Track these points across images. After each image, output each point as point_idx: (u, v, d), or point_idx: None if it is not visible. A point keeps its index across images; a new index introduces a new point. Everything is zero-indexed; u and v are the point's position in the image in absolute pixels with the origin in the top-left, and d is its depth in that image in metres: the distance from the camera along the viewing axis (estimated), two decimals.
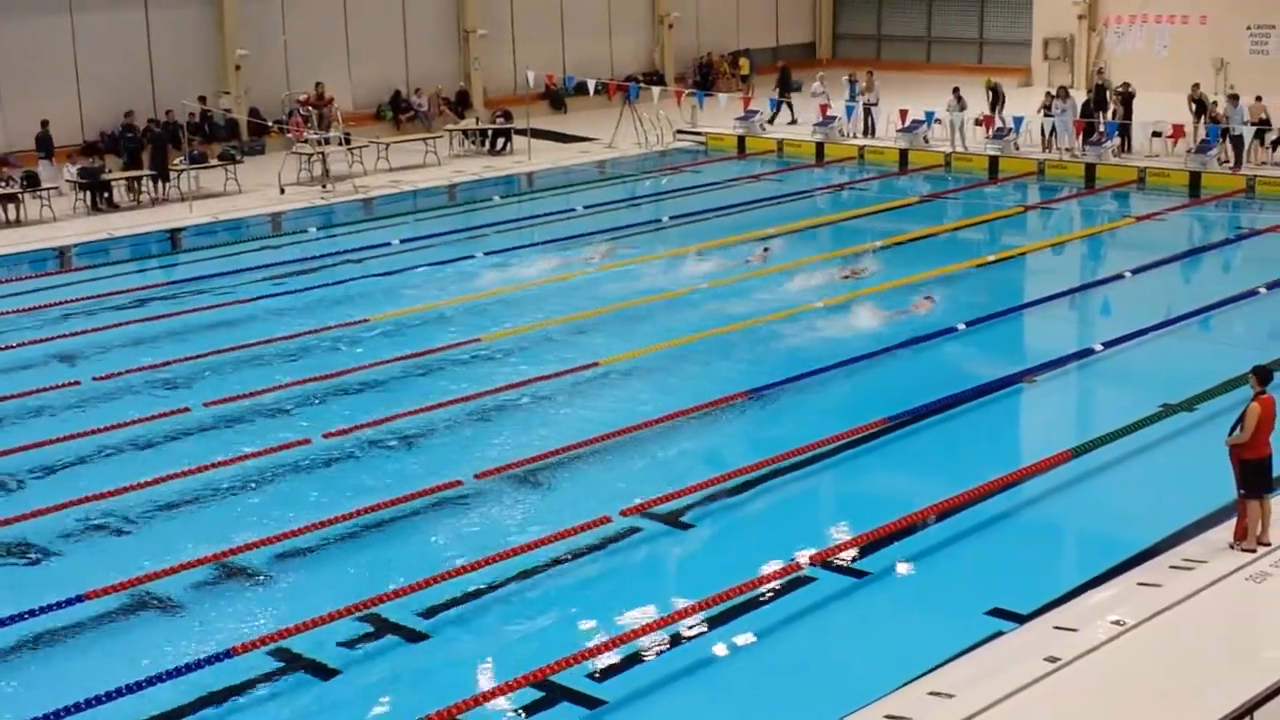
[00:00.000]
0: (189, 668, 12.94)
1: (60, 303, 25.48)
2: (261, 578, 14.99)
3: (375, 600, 14.10)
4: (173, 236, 30.85)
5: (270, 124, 37.26)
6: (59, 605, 14.13)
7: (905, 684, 12.37)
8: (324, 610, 13.87)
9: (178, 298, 25.91)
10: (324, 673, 13.12)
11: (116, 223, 31.53)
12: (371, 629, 13.78)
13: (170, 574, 14.83)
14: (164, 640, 13.74)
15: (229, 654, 13.15)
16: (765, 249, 28.36)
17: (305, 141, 35.28)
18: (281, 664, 13.22)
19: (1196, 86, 36.12)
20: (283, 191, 33.97)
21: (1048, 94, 37.20)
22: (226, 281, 26.90)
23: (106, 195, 32.81)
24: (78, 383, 21.07)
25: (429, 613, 14.07)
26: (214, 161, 34.96)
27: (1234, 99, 34.41)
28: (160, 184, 33.61)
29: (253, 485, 17.39)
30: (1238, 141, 33.66)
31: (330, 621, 13.73)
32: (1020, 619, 13.54)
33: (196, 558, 15.17)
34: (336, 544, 15.74)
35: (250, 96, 38.48)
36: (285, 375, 21.12)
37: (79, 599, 14.26)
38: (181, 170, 33.63)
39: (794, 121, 41.29)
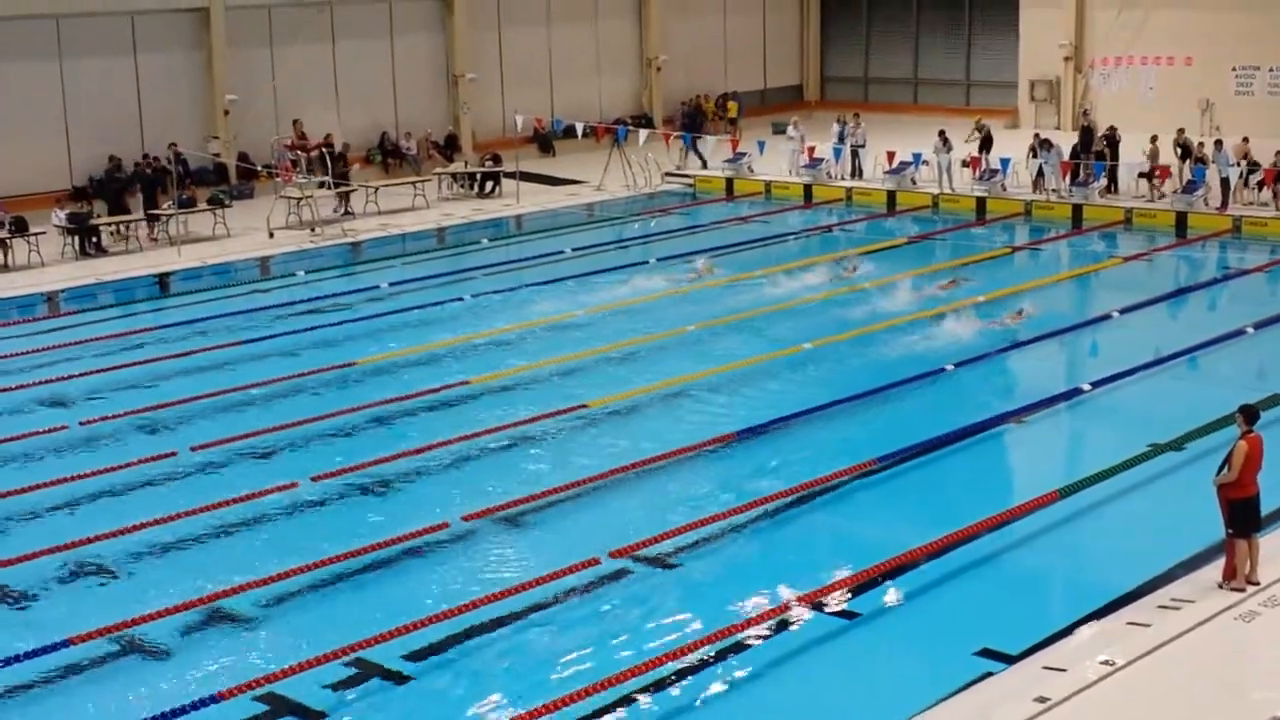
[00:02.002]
0: (175, 713, 12.85)
1: (48, 348, 25.44)
2: (248, 622, 14.92)
3: (362, 643, 14.02)
4: (161, 281, 30.84)
5: (259, 168, 37.34)
6: (43, 650, 14.06)
7: None
8: (311, 654, 13.82)
9: (165, 342, 25.87)
10: (311, 716, 13.05)
11: (105, 267, 31.52)
12: (358, 672, 13.71)
13: (156, 618, 14.76)
14: (150, 685, 13.67)
15: (215, 699, 13.08)
16: (854, 267, 29.91)
17: (295, 185, 35.36)
18: (268, 708, 13.14)
19: (1181, 131, 36.32)
20: (271, 235, 34.02)
21: (1036, 136, 37.37)
22: (214, 325, 26.89)
23: (94, 240, 32.82)
24: (65, 427, 21.02)
25: (416, 655, 14.01)
26: (202, 206, 35.01)
27: (1219, 144, 34.63)
28: (152, 224, 33.74)
29: (240, 529, 17.34)
30: (1224, 183, 33.83)
31: (317, 665, 13.67)
32: (1009, 659, 13.51)
33: (183, 602, 15.11)
34: (324, 587, 15.69)
35: (239, 141, 38.59)
36: (273, 419, 21.06)
37: (63, 644, 14.18)
38: (169, 215, 33.69)
39: (704, 165, 41.39)
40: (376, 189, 37.52)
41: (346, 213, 36.40)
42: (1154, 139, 35.61)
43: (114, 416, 21.37)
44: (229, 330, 26.54)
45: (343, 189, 36.66)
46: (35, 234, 31.90)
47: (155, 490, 18.64)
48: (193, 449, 19.89)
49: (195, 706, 12.96)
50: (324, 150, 36.70)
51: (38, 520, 17.72)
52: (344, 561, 16.11)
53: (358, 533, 16.90)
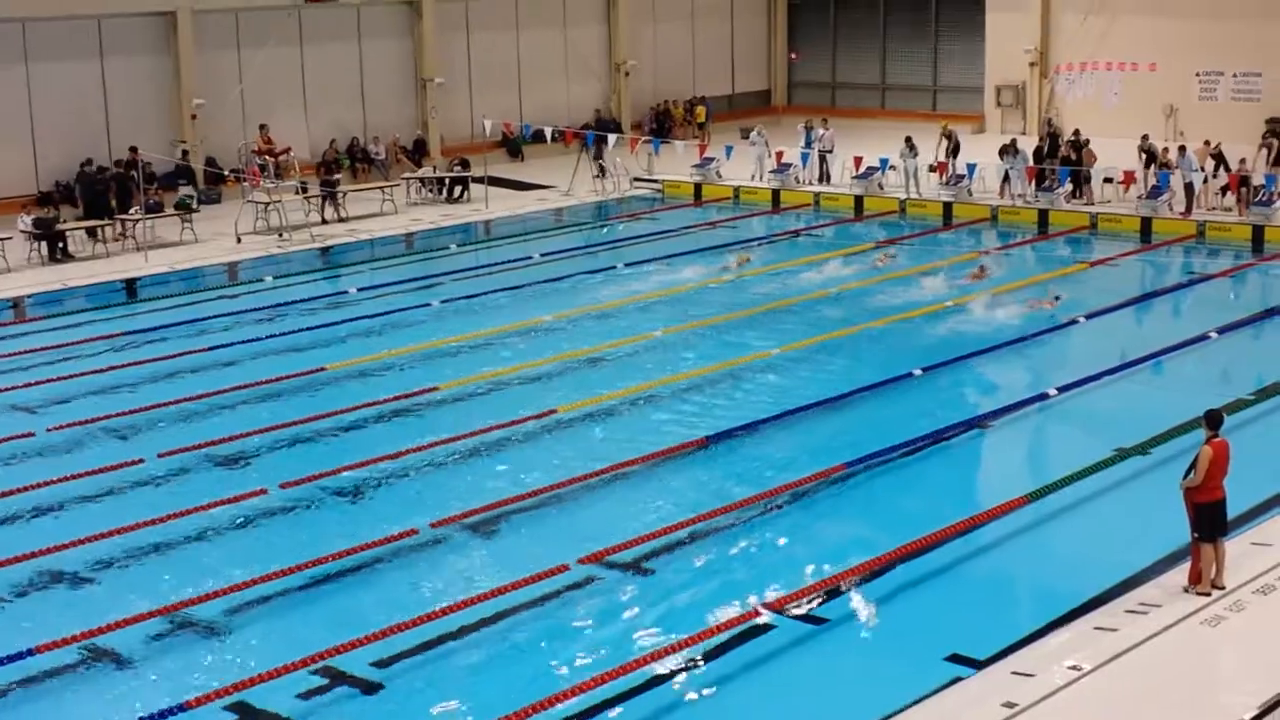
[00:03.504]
0: None
1: (14, 354, 25.29)
2: (217, 630, 14.87)
3: (331, 651, 13.99)
4: (128, 286, 30.71)
5: (227, 173, 37.22)
6: (8, 659, 13.97)
7: None
8: (280, 662, 13.78)
9: (133, 348, 25.75)
10: None
11: (72, 273, 31.37)
12: (327, 680, 13.68)
13: (124, 626, 14.70)
14: (117, 694, 13.62)
15: (183, 708, 13.03)
16: (888, 255, 31.00)
17: (263, 190, 35.26)
18: (236, 717, 13.10)
19: (1146, 138, 36.60)
20: (239, 241, 33.91)
21: (1014, 142, 37.61)
22: (182, 331, 26.79)
23: (61, 245, 32.64)
24: (31, 434, 20.91)
25: (385, 663, 13.98)
26: (170, 211, 34.86)
27: (1182, 150, 34.89)
28: (119, 229, 33.65)
29: (208, 536, 17.27)
30: (1189, 188, 34.07)
31: (286, 673, 13.63)
32: (978, 665, 13.57)
33: (150, 609, 15.05)
34: (292, 595, 15.64)
35: (207, 146, 38.44)
36: (241, 425, 21.00)
37: (29, 652, 14.11)
38: (137, 220, 33.54)
39: (601, 175, 40.82)
40: (345, 194, 37.40)
41: (326, 220, 36.20)
42: (1079, 134, 36.65)
43: (81, 423, 21.26)
44: (197, 336, 26.45)
45: (327, 193, 36.56)
46: (1, 239, 31.70)
47: (123, 497, 18.56)
48: (160, 455, 19.80)
49: (163, 715, 12.92)
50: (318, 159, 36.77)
51: (5, 527, 17.61)
52: (313, 568, 16.07)
53: (326, 539, 16.85)
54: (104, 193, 34.57)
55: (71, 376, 23.79)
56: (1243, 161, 34.13)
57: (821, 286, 29.14)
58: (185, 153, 37.41)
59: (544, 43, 46.95)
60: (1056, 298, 27.26)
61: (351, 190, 37.93)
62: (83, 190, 35.02)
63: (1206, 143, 35.14)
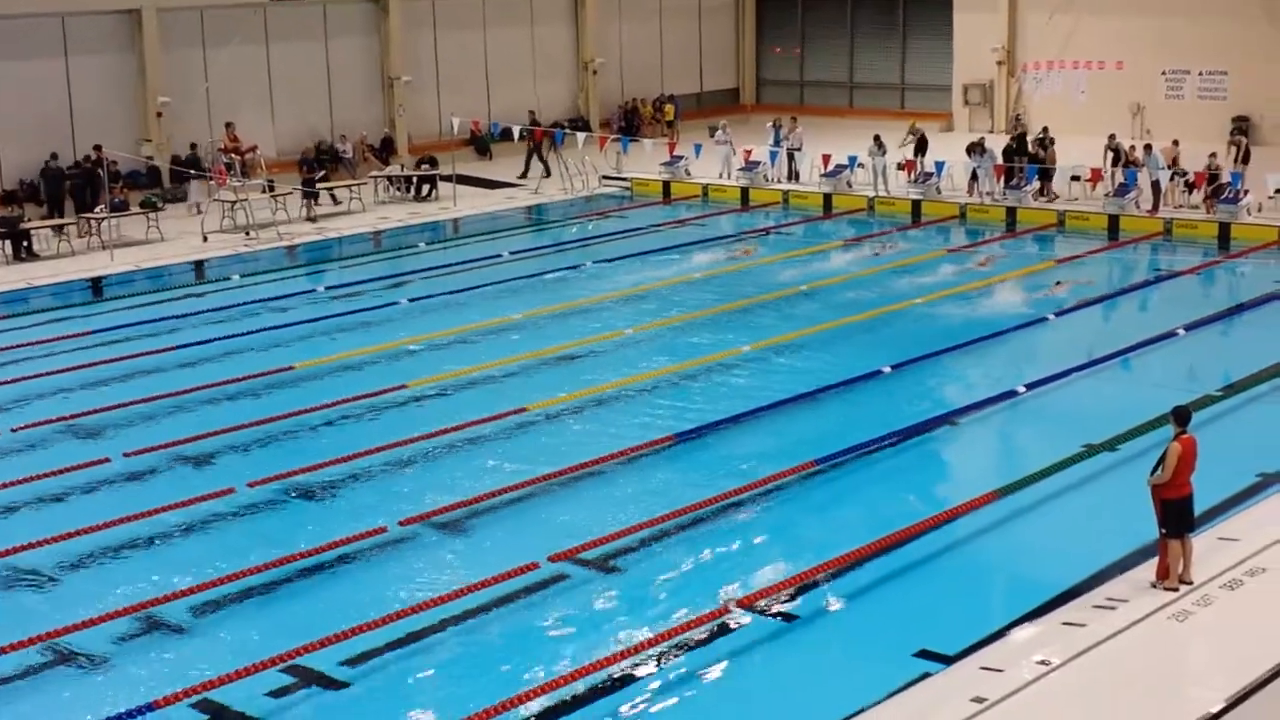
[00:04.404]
0: None
1: None
2: (185, 629, 14.80)
3: (300, 650, 13.92)
4: (94, 285, 30.53)
5: (191, 172, 37.03)
6: None
7: None
8: (248, 660, 13.70)
9: (98, 346, 25.59)
10: None
11: (37, 271, 31.17)
12: (296, 679, 13.61)
13: (90, 626, 14.61)
14: (84, 694, 13.54)
15: (151, 707, 12.95)
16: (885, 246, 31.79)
17: (230, 189, 35.10)
18: (205, 716, 13.04)
19: (1113, 137, 36.75)
20: (205, 239, 33.75)
21: (980, 140, 37.78)
22: (148, 330, 26.64)
23: (26, 244, 32.42)
24: None
25: (354, 661, 13.93)
26: (135, 209, 34.66)
27: (1148, 148, 35.07)
28: (84, 227, 33.43)
29: (175, 536, 17.18)
30: (1155, 186, 34.23)
31: (254, 672, 13.56)
32: (947, 660, 13.59)
33: (117, 609, 14.96)
34: (261, 593, 15.58)
35: (172, 144, 38.24)
36: (208, 424, 20.89)
37: None
38: (102, 218, 33.35)
39: (548, 175, 41.20)
40: (319, 192, 37.21)
41: (311, 218, 36.17)
42: (1046, 132, 37.31)
43: (46, 422, 21.12)
44: (163, 335, 26.30)
45: (308, 191, 36.44)
46: None
47: (88, 497, 18.44)
48: (126, 455, 19.68)
49: (131, 715, 12.84)
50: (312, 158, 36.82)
51: None
52: (281, 567, 16.01)
53: (295, 538, 16.79)
54: (82, 188, 34.35)
55: (37, 376, 23.63)
56: (1213, 155, 34.33)
57: (792, 283, 29.15)
58: (194, 145, 37.24)
59: (511, 41, 46.89)
60: (1058, 283, 28.30)
61: (319, 188, 37.74)
62: (46, 187, 34.83)
63: (1175, 142, 35.31)
